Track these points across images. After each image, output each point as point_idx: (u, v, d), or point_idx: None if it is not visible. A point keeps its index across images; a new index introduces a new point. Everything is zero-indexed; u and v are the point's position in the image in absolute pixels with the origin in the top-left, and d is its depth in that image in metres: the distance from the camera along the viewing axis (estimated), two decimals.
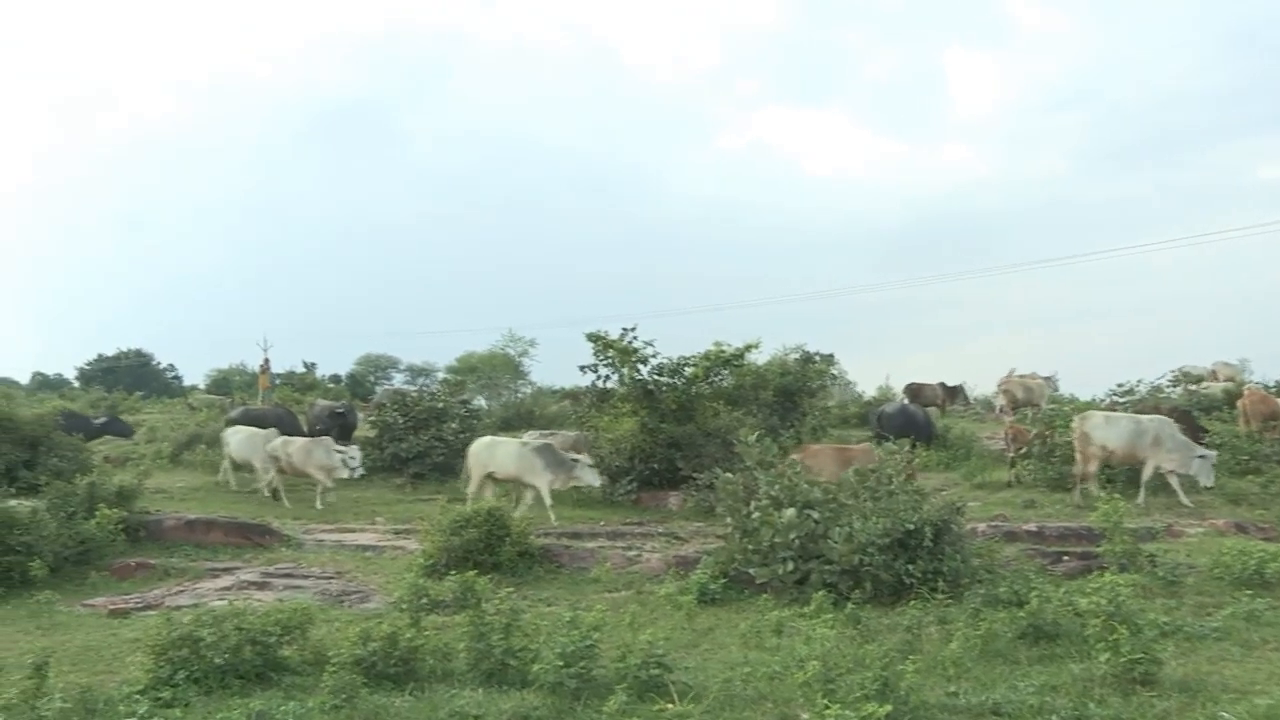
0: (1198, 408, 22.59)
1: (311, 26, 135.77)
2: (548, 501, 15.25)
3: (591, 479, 15.79)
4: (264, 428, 21.91)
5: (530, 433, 20.02)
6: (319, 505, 17.08)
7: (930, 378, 29.21)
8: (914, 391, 28.65)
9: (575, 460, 15.79)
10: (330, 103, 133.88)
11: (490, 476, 15.72)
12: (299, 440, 18.25)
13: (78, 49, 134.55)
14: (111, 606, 10.79)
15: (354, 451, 18.03)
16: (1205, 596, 9.90)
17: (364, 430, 23.67)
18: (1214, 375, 28.35)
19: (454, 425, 20.54)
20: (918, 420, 21.75)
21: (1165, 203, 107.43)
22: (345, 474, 17.54)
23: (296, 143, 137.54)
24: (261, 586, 11.59)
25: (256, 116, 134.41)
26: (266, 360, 34.21)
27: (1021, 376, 27.22)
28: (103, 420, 26.44)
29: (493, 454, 15.83)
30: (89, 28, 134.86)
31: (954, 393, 29.18)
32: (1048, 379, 28.95)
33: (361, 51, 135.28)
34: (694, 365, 17.83)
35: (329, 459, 17.41)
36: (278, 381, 45.62)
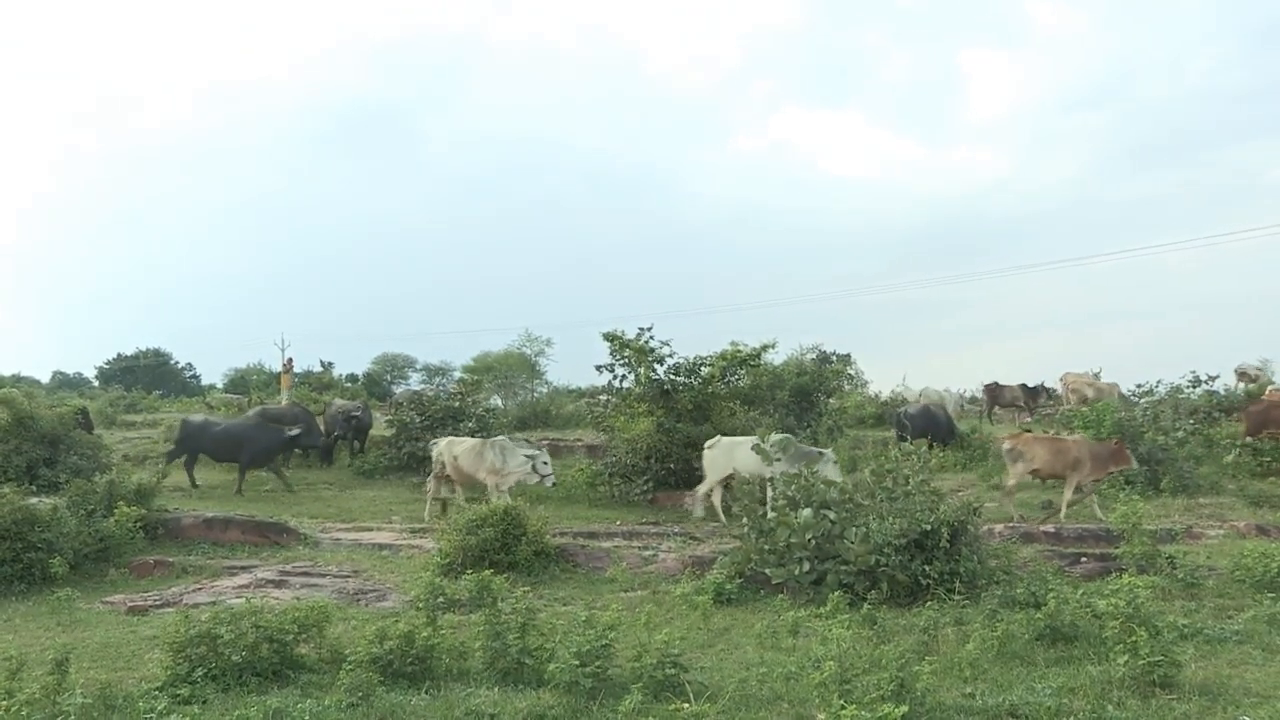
0: (1218, 409, 22.44)
1: (330, 30, 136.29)
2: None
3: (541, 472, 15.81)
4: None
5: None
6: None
7: (964, 380, 29.20)
8: (994, 392, 28.45)
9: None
10: (349, 106, 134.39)
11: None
12: (468, 441, 16.63)
13: (100, 54, 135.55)
14: (130, 604, 10.86)
15: (543, 455, 16.09)
16: (1225, 599, 9.82)
17: (380, 429, 23.76)
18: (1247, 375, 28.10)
19: (470, 425, 20.59)
20: (939, 421, 21.69)
21: (1185, 203, 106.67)
22: (534, 480, 15.76)
23: (315, 145, 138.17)
24: (279, 585, 11.63)
25: (276, 120, 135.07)
26: (290, 360, 34.23)
27: (1079, 376, 27.12)
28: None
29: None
30: (111, 33, 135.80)
31: (1035, 393, 28.74)
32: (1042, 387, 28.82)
33: (380, 55, 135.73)
34: (710, 365, 17.82)
35: (508, 462, 15.68)
36: (296, 381, 45.83)
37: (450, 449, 16.40)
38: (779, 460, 14.53)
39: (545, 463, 15.86)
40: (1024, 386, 28.66)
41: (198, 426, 19.29)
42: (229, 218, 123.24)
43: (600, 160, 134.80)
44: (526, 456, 15.74)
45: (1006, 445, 15.47)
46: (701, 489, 15.77)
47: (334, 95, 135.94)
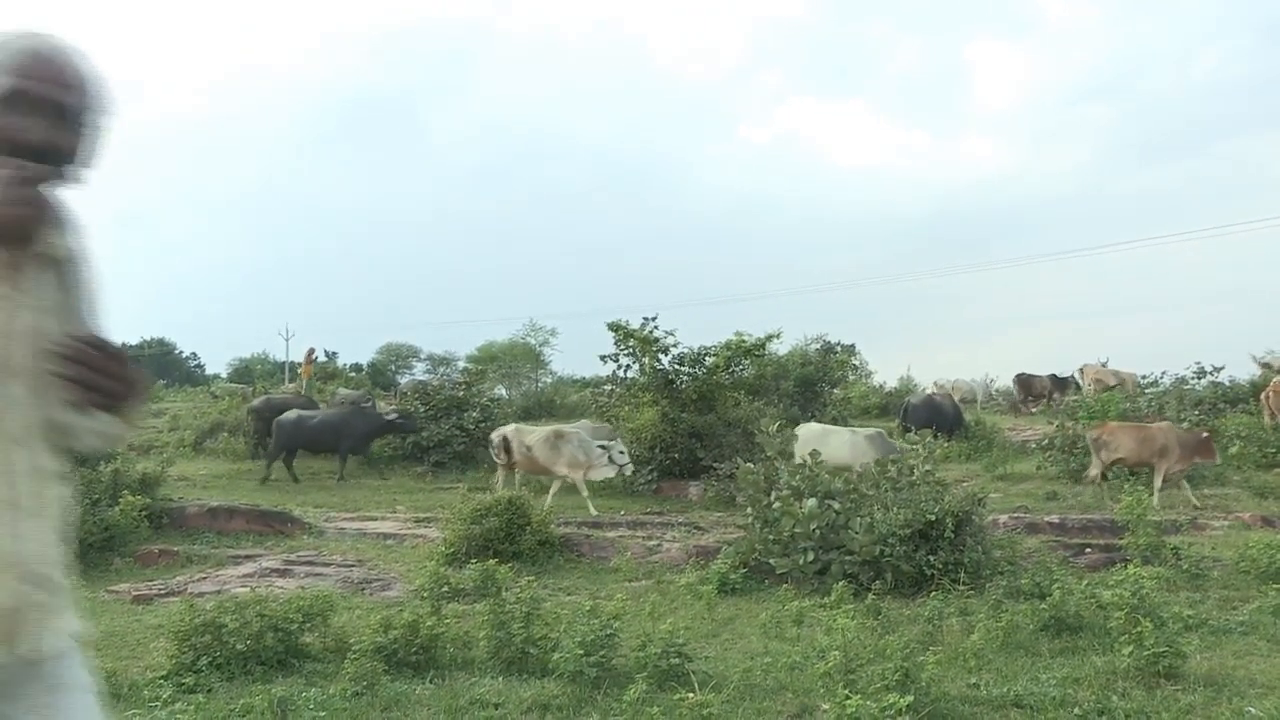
0: (1223, 400, 22.40)
1: (335, 20, 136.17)
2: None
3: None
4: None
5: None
6: (592, 511, 14.64)
7: (969, 371, 29.08)
8: (1024, 383, 28.46)
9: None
10: (354, 96, 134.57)
11: None
12: (539, 430, 15.95)
13: (102, 42, 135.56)
14: (135, 593, 10.88)
15: (619, 444, 15.65)
16: (1231, 590, 9.81)
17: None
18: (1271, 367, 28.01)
19: (475, 414, 20.60)
20: (944, 411, 21.68)
21: (1193, 194, 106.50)
22: (611, 472, 15.25)
23: (320, 135, 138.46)
24: (283, 574, 11.66)
25: (280, 110, 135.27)
26: (312, 350, 34.03)
27: (1103, 367, 27.12)
28: None
29: None
30: (113, 22, 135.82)
31: (1063, 384, 28.78)
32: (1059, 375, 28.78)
33: (385, 45, 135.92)
34: (715, 355, 17.81)
35: (590, 455, 15.05)
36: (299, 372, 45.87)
37: (520, 438, 15.73)
38: (869, 452, 14.70)
39: (621, 451, 15.39)
40: (1054, 377, 28.62)
41: (293, 424, 19.22)
42: (233, 207, 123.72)
43: (606, 151, 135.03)
44: (602, 447, 15.27)
45: (1092, 435, 15.47)
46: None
47: (339, 85, 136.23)
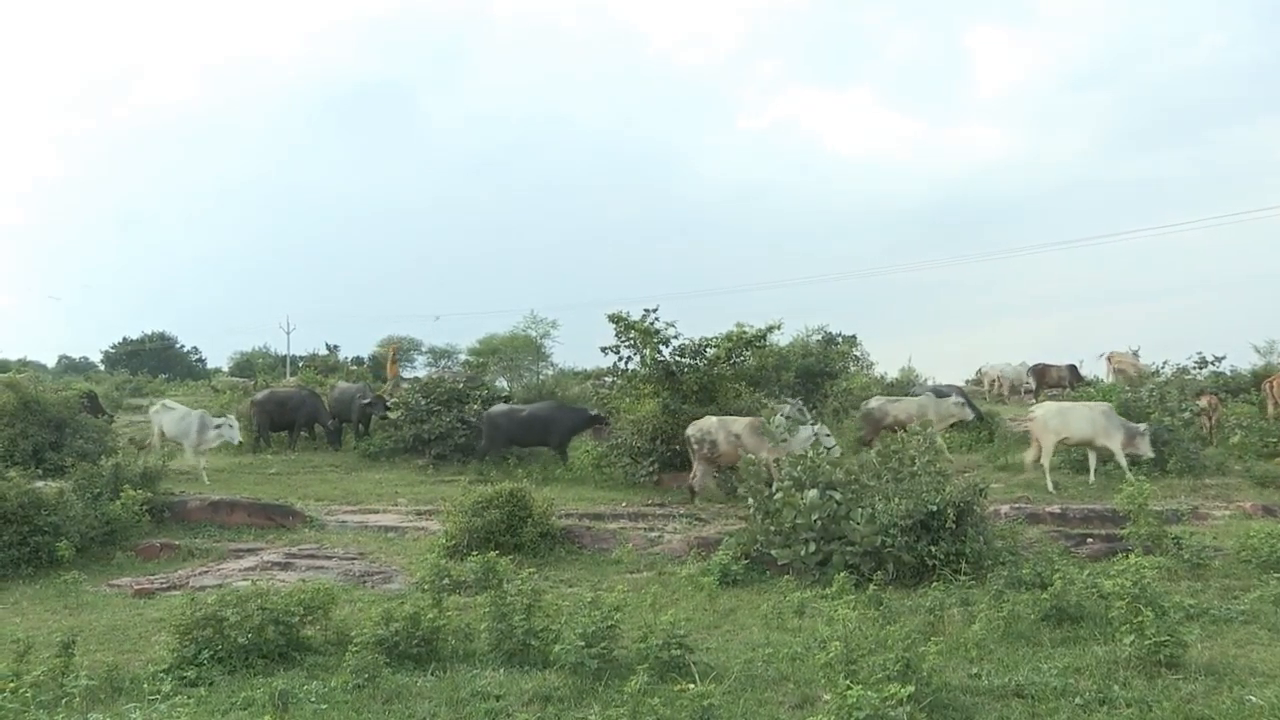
0: (1225, 390, 22.37)
1: (328, 7, 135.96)
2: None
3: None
4: (288, 409, 22.06)
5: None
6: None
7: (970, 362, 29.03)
8: (1040, 373, 28.45)
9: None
10: (348, 84, 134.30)
11: None
12: (740, 419, 15.45)
13: (96, 35, 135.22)
14: (137, 587, 10.89)
15: (823, 428, 15.20)
16: (1232, 580, 9.81)
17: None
18: None
19: (475, 407, 20.57)
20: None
21: (1194, 181, 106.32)
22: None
23: (315, 125, 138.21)
24: (285, 567, 11.67)
25: (275, 99, 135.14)
26: (396, 348, 33.26)
27: (1124, 355, 27.13)
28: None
29: None
30: (107, 13, 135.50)
31: (1080, 374, 28.79)
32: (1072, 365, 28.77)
33: (380, 32, 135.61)
34: (716, 346, 17.76)
35: (792, 439, 14.37)
36: (302, 365, 45.84)
37: (726, 427, 15.08)
38: (1107, 423, 15.40)
39: (828, 435, 14.86)
40: (1071, 367, 28.59)
41: (503, 416, 19.31)
42: (230, 199, 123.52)
43: (604, 139, 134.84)
44: (810, 434, 14.56)
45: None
46: (1029, 454, 16.07)
47: (334, 73, 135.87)
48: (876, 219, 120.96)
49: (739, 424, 15.13)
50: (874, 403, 19.35)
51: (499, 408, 19.86)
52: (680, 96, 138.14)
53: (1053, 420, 15.75)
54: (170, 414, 18.38)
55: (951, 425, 19.00)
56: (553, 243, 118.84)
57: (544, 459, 19.25)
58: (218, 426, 17.77)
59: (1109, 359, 27.53)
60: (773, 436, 14.56)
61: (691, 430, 15.44)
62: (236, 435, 18.20)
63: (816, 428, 15.05)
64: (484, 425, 19.41)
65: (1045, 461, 15.64)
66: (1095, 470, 15.77)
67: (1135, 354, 27.43)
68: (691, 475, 15.47)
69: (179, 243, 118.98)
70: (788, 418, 15.95)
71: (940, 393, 20.08)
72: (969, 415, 19.05)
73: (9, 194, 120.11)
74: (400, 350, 33.03)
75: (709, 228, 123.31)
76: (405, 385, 24.71)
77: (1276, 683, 6.66)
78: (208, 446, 17.90)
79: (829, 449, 13.53)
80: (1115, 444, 15.42)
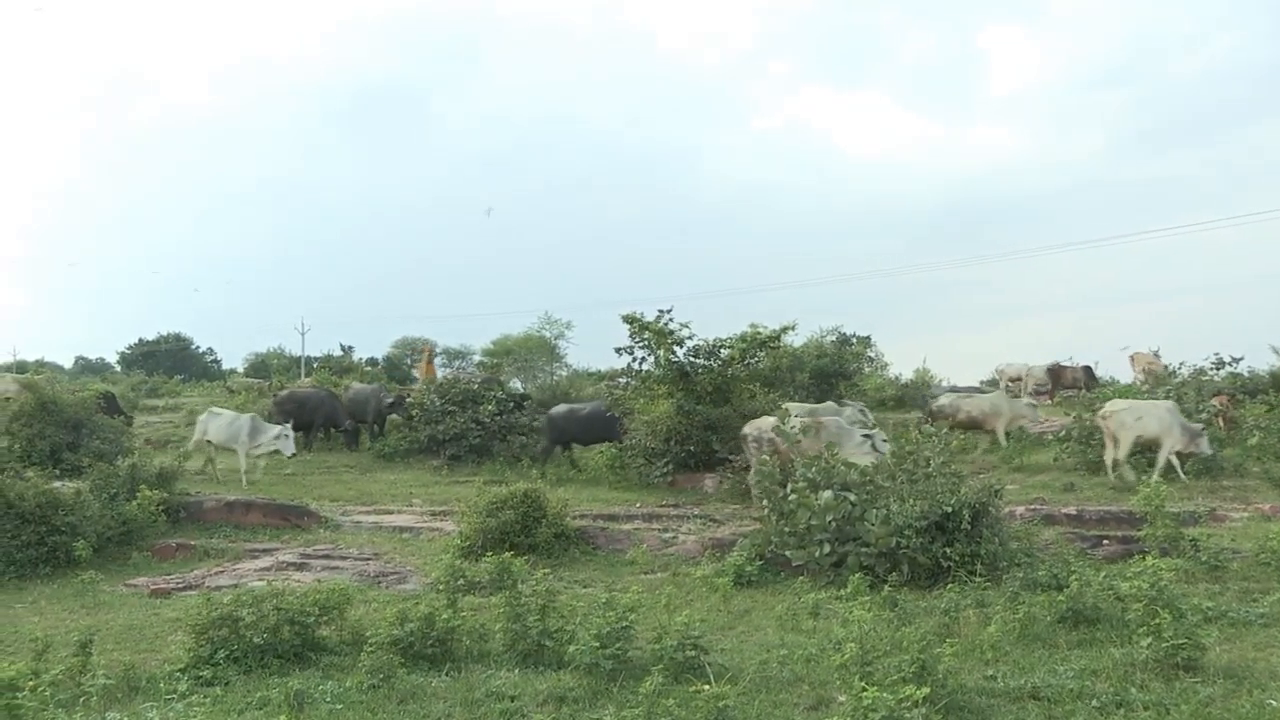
0: (1243, 391, 22.19)
1: (341, 8, 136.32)
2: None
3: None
4: (307, 409, 22.09)
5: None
6: None
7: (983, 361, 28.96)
8: (1055, 373, 28.36)
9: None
10: (362, 85, 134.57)
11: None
12: (827, 419, 15.16)
13: (113, 36, 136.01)
14: (153, 586, 10.95)
15: (880, 433, 14.96)
16: (1250, 582, 9.71)
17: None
18: None
19: (490, 408, 20.61)
20: None
21: (1209, 181, 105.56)
22: (871, 458, 13.51)
23: (330, 126, 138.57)
24: (300, 567, 11.71)
25: (288, 100, 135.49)
26: (431, 350, 33.23)
27: (1147, 355, 27.05)
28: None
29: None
30: (123, 16, 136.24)
31: (1092, 374, 28.67)
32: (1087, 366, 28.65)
33: (392, 33, 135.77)
34: (730, 347, 17.75)
35: (845, 443, 13.91)
36: (316, 366, 45.93)
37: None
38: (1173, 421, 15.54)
39: (884, 439, 14.40)
40: (1087, 368, 28.45)
41: (563, 417, 19.54)
42: (246, 201, 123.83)
43: (618, 140, 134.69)
44: (864, 435, 14.44)
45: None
46: (1109, 455, 16.02)
47: (348, 74, 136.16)
48: (890, 219, 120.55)
49: (822, 422, 14.74)
50: (944, 399, 19.29)
51: (560, 408, 20.14)
52: (693, 97, 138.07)
53: (1130, 417, 15.81)
54: (218, 419, 18.18)
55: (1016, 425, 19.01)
56: (567, 243, 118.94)
57: (557, 460, 19.29)
58: (276, 436, 17.62)
59: (1133, 359, 27.39)
60: (823, 438, 14.01)
61: (748, 429, 15.18)
62: (291, 446, 17.92)
63: (874, 431, 15.02)
64: (545, 425, 19.64)
65: (1122, 457, 15.70)
66: (1161, 469, 15.60)
67: (1156, 354, 27.28)
68: (750, 476, 14.63)
69: (194, 244, 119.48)
70: (851, 421, 16.00)
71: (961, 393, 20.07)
72: (1040, 419, 18.93)
73: (27, 194, 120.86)
74: (434, 353, 33.01)
75: (722, 228, 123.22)
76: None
77: None
78: (261, 451, 17.76)
79: (883, 454, 13.41)
80: (1179, 443, 15.49)
